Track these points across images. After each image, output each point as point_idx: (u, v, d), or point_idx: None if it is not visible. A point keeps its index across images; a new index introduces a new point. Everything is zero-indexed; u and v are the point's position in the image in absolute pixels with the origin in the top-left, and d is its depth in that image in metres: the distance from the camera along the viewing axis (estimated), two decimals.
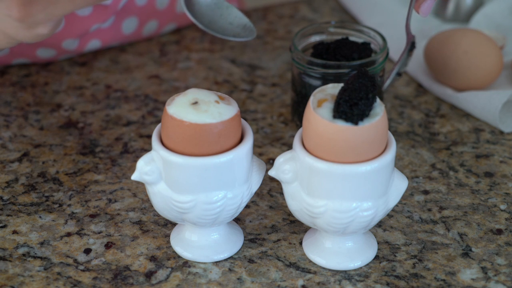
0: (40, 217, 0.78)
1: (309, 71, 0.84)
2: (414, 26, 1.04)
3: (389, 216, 0.78)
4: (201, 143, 0.68)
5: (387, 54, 0.85)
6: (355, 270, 0.72)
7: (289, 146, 0.86)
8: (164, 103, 0.92)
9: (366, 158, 0.67)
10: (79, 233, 0.76)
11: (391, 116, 0.91)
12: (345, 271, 0.72)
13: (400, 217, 0.78)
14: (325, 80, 0.83)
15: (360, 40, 0.87)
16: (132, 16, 0.99)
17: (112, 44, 1.01)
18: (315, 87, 0.84)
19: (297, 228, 0.77)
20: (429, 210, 0.79)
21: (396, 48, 1.01)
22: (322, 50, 0.86)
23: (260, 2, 1.12)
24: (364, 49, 0.85)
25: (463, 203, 0.79)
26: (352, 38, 0.88)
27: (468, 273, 0.72)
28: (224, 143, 0.69)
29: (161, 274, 0.72)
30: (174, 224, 0.77)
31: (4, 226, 0.77)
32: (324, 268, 0.73)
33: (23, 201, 0.80)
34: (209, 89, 0.72)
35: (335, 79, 0.83)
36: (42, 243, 0.75)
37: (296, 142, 0.69)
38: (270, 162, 0.84)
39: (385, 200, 0.70)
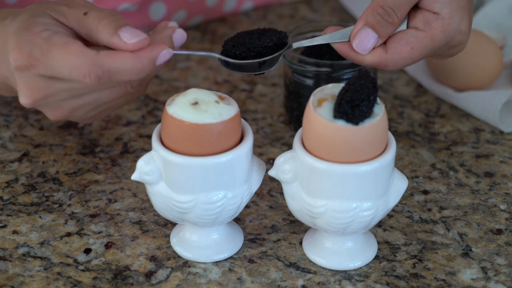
0: (40, 217, 0.78)
1: (300, 70, 0.84)
2: None
3: (389, 216, 0.78)
4: (201, 143, 0.68)
5: None
6: (355, 270, 0.72)
7: (289, 146, 0.86)
8: (164, 103, 0.92)
9: (366, 158, 0.67)
10: (79, 233, 0.76)
11: (391, 116, 0.91)
12: (345, 271, 0.72)
13: (400, 217, 0.78)
14: (316, 78, 0.84)
15: None
16: (159, 0, 0.99)
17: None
18: (304, 85, 0.84)
19: (297, 228, 0.77)
20: (429, 210, 0.79)
21: None
22: (315, 48, 0.86)
23: None
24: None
25: (463, 203, 0.79)
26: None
27: (468, 273, 0.72)
28: (224, 143, 0.69)
29: (161, 274, 0.72)
30: (174, 224, 0.77)
31: (4, 226, 0.77)
32: (324, 268, 0.73)
33: (23, 201, 0.80)
34: (209, 89, 0.72)
35: (320, 76, 0.83)
36: (42, 243, 0.75)
37: (296, 142, 0.69)
38: (270, 162, 0.84)
39: (385, 200, 0.70)
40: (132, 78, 0.69)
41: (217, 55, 0.75)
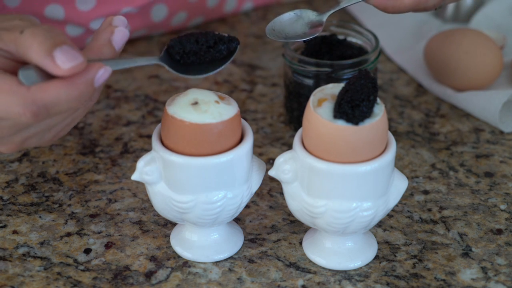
0: (40, 217, 0.78)
1: (300, 70, 0.84)
2: (414, 26, 1.04)
3: (389, 216, 0.78)
4: (201, 143, 0.68)
5: (379, 53, 0.84)
6: (355, 270, 0.72)
7: (289, 146, 0.86)
8: (164, 103, 0.92)
9: (366, 158, 0.67)
10: (79, 233, 0.76)
11: (391, 116, 0.91)
12: (345, 271, 0.72)
13: (400, 217, 0.78)
14: (314, 77, 0.84)
15: (356, 40, 0.87)
16: (161, 3, 0.99)
17: (140, 32, 1.01)
18: (304, 85, 0.84)
19: (297, 228, 0.77)
20: (429, 210, 0.79)
21: (395, 48, 1.01)
22: (314, 47, 0.86)
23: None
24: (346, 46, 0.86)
25: (463, 203, 0.79)
26: (347, 38, 0.88)
27: (468, 273, 0.72)
28: (224, 143, 0.69)
29: (161, 274, 0.72)
30: (174, 224, 0.77)
31: (4, 226, 0.77)
32: (324, 268, 0.73)
33: (23, 201, 0.80)
34: (209, 89, 0.72)
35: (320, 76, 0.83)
36: (42, 243, 0.75)
37: (296, 142, 0.69)
38: (270, 162, 0.84)
39: (385, 200, 0.70)
40: (72, 106, 0.64)
41: (163, 64, 0.70)
